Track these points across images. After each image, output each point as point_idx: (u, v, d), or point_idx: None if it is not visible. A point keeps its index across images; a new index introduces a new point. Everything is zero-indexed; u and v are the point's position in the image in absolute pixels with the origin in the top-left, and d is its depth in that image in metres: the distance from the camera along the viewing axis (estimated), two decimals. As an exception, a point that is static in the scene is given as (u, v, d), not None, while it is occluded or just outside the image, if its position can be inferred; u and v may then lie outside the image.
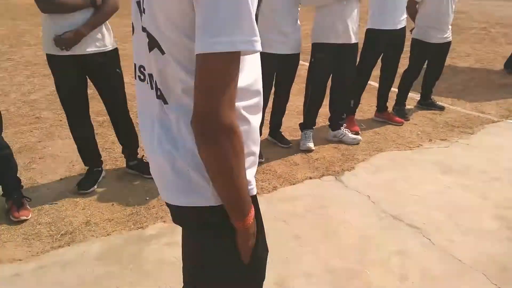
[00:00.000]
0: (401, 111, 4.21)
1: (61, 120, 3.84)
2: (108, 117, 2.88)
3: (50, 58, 2.45)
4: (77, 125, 2.69)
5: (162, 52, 0.82)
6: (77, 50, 2.38)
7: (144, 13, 0.83)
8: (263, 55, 3.33)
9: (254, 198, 0.92)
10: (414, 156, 3.37)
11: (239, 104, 0.83)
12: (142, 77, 0.93)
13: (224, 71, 0.72)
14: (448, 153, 3.41)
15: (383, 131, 3.86)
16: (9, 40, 7.61)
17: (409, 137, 3.72)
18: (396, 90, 4.28)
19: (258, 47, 0.74)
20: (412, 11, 4.06)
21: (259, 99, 0.92)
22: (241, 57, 0.74)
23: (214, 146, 0.75)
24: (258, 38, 0.74)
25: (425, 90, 4.48)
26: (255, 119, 0.91)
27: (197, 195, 0.87)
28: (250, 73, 0.87)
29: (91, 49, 2.43)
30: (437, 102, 4.51)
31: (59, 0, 2.27)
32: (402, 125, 3.99)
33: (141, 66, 0.93)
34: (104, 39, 2.49)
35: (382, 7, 3.56)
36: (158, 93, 0.87)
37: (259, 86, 0.92)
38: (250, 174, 0.91)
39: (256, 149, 0.94)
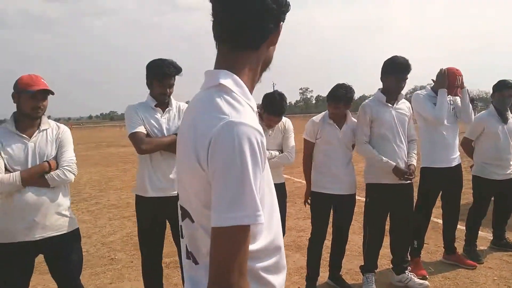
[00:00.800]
0: (472, 252, 3.93)
1: (132, 261, 4.14)
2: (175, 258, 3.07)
3: (139, 200, 2.75)
4: (150, 266, 2.86)
5: (192, 221, 1.00)
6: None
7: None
8: (318, 195, 3.54)
9: None
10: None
11: (257, 265, 0.96)
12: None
13: (233, 242, 0.85)
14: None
15: (453, 276, 3.58)
16: (100, 185, 8.75)
17: (484, 284, 3.39)
18: (464, 229, 4.08)
19: (261, 220, 0.87)
20: (467, 149, 4.14)
21: (279, 257, 1.04)
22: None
23: None
24: (260, 212, 0.87)
25: (497, 230, 4.20)
26: (277, 279, 1.02)
27: None
28: (267, 234, 1.00)
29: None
30: (511, 242, 4.16)
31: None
32: (475, 268, 3.68)
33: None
34: None
35: (433, 146, 3.67)
36: (189, 255, 1.03)
37: (278, 242, 1.05)
38: None
39: None
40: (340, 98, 3.19)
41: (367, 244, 3.45)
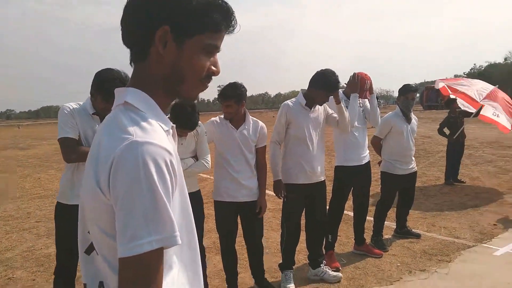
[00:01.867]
0: (379, 242, 4.27)
1: (34, 279, 3.73)
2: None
3: (60, 207, 2.58)
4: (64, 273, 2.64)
5: (97, 253, 0.88)
6: None
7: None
8: (223, 204, 3.49)
9: None
10: (396, 291, 3.31)
11: None
12: None
13: (145, 271, 0.76)
14: (428, 285, 3.37)
15: (363, 265, 3.84)
16: (-6, 194, 7.75)
17: (389, 270, 3.70)
18: (372, 220, 4.41)
19: (179, 241, 0.80)
20: (377, 147, 4.49)
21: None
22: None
23: None
24: (177, 233, 0.79)
25: (399, 219, 4.62)
26: None
27: None
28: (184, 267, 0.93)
29: None
30: (413, 230, 4.61)
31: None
32: (381, 257, 4.00)
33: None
34: None
35: (345, 146, 3.90)
36: None
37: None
38: None
39: None
40: (229, 96, 3.08)
41: (285, 242, 3.54)
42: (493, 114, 6.08)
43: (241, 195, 3.15)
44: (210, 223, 4.31)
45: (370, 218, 4.34)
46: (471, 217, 5.17)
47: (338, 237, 4.08)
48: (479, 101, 6.04)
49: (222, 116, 3.21)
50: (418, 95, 32.75)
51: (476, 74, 61.21)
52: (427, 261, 3.85)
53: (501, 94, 6.48)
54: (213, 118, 3.25)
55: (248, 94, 3.38)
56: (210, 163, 3.13)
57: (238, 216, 3.26)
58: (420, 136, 13.98)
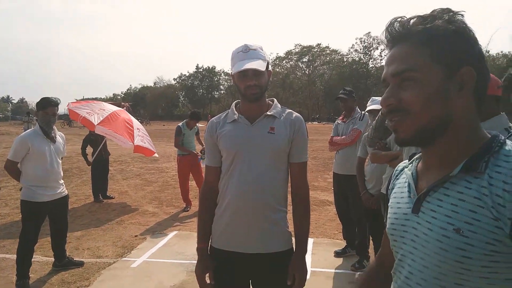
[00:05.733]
0: (23, 286, 3.53)
1: None
2: None
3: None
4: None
5: None
6: None
7: None
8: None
9: None
10: None
11: None
12: None
13: None
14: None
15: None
16: None
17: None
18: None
19: None
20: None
21: None
22: None
23: None
24: None
25: (54, 250, 4.03)
26: None
27: None
28: None
29: None
30: (74, 259, 4.16)
31: None
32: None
33: None
34: None
35: None
36: None
37: None
38: None
39: None
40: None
41: None
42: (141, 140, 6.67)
43: None
44: None
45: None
46: (116, 232, 5.29)
47: None
48: (95, 124, 6.27)
49: None
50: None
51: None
52: (63, 292, 3.54)
53: (124, 115, 7.03)
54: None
55: None
56: None
57: None
58: (76, 154, 13.61)
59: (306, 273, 1.80)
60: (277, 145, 1.76)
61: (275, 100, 1.92)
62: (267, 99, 1.86)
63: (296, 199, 1.85)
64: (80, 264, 4.12)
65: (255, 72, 1.73)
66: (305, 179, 1.86)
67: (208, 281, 1.83)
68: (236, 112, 1.84)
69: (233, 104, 1.91)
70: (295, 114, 1.87)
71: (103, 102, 7.72)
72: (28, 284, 3.58)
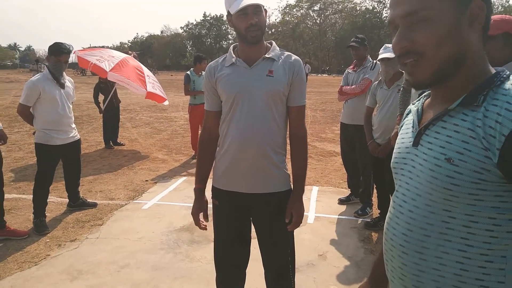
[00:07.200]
0: (40, 223, 3.72)
1: None
2: None
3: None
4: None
5: None
6: None
7: None
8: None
9: None
10: (39, 272, 2.98)
11: None
12: None
13: None
14: (77, 254, 3.24)
15: (3, 252, 3.26)
16: None
17: (35, 250, 3.31)
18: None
19: None
20: None
21: None
22: None
23: None
24: None
25: (68, 191, 4.20)
26: None
27: None
28: None
29: None
30: (88, 200, 4.34)
31: None
32: (27, 236, 3.54)
33: None
34: None
35: None
36: None
37: None
38: None
39: None
40: None
41: None
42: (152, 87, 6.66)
43: None
44: None
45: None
46: (127, 177, 5.46)
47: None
48: (107, 70, 6.21)
49: None
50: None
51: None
52: (79, 230, 3.72)
53: (134, 63, 6.97)
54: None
55: None
56: None
57: None
58: (86, 102, 13.71)
59: (303, 212, 1.84)
60: (275, 88, 1.75)
61: (273, 42, 1.88)
62: (265, 42, 1.83)
63: (294, 142, 1.86)
64: (94, 205, 4.30)
65: (256, 10, 1.68)
66: (303, 122, 1.86)
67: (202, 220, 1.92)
68: (234, 55, 1.81)
69: (231, 47, 1.88)
70: (294, 56, 1.84)
71: (112, 50, 7.63)
72: (45, 221, 3.76)
